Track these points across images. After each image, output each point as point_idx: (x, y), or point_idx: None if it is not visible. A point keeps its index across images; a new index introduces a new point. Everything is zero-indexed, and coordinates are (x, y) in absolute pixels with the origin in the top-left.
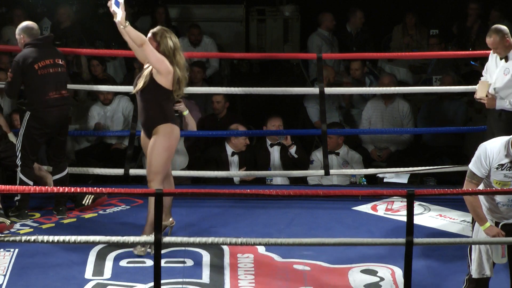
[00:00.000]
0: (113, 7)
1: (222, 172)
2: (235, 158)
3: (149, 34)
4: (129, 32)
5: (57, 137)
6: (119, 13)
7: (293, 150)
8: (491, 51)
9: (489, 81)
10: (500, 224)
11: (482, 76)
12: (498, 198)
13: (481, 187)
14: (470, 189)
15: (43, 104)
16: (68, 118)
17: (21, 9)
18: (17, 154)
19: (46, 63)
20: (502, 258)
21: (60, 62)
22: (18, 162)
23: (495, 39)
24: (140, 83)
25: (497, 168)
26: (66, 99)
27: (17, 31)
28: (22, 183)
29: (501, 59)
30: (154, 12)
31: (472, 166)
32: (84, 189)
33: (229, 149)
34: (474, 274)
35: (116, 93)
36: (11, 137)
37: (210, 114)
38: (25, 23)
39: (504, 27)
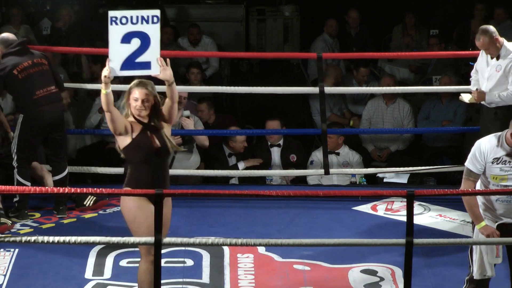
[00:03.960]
0: (136, 72)
1: (223, 171)
2: (233, 159)
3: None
4: (173, 88)
5: (53, 136)
6: (157, 70)
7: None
8: (480, 52)
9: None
10: (496, 224)
11: (470, 76)
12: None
13: (478, 185)
14: (469, 189)
15: (33, 105)
16: (63, 116)
17: (18, 8)
18: (13, 156)
19: (24, 65)
20: (496, 258)
21: (40, 61)
22: (15, 164)
23: (485, 40)
24: (170, 142)
25: (492, 162)
26: (56, 95)
27: None
28: (20, 184)
29: (492, 58)
30: None
31: (468, 163)
32: (84, 190)
33: (227, 151)
34: (476, 275)
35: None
36: (12, 136)
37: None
38: (1, 35)
39: (490, 27)
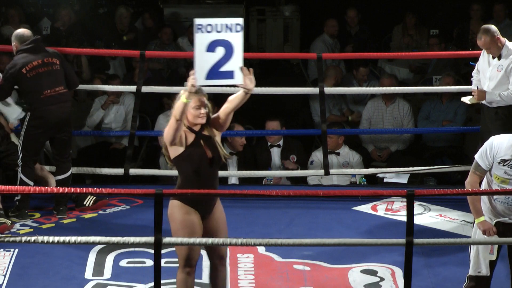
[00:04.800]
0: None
1: (222, 171)
2: (234, 158)
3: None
4: (246, 97)
5: (59, 136)
6: (240, 79)
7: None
8: (482, 52)
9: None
10: (494, 221)
11: (471, 76)
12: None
13: (484, 181)
14: (474, 184)
15: (40, 103)
16: (70, 116)
17: (17, 8)
18: (18, 154)
19: (33, 65)
20: (490, 254)
21: (51, 61)
22: (19, 162)
23: (486, 39)
24: (222, 150)
25: (499, 163)
26: (64, 96)
27: (12, 38)
28: (23, 183)
29: (493, 57)
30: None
31: (477, 157)
32: (85, 190)
33: (227, 150)
34: (470, 271)
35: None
36: (13, 137)
37: None
38: (17, 31)
39: (492, 26)
